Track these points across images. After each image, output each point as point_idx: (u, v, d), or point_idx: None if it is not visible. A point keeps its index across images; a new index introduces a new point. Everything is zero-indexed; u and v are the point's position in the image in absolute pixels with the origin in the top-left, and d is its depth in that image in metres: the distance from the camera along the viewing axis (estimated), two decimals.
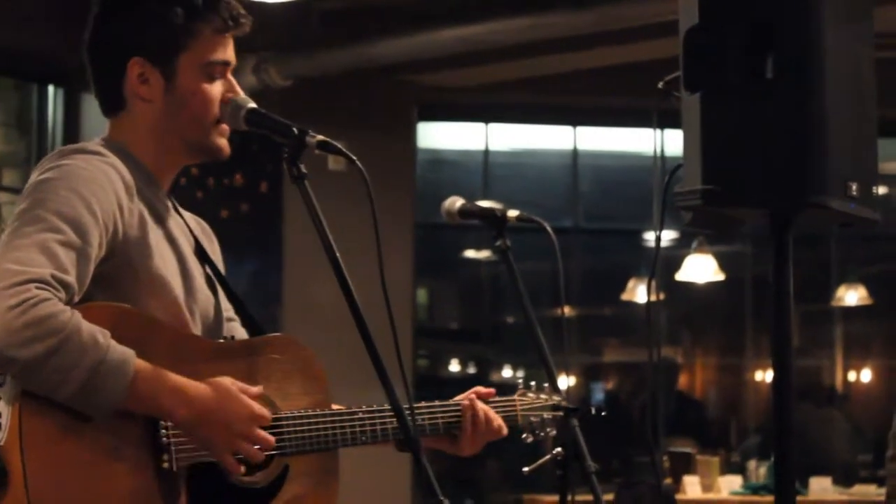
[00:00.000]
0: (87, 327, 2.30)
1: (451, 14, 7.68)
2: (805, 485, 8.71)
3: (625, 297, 10.34)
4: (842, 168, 2.48)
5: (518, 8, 7.46)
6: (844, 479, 9.35)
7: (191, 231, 2.70)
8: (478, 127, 10.21)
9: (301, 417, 2.59)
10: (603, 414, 3.14)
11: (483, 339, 11.29)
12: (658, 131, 9.83)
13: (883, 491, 5.36)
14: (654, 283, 2.88)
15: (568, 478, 3.08)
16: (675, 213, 2.59)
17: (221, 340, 2.62)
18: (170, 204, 2.66)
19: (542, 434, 3.10)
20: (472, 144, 10.39)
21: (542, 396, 3.12)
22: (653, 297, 2.87)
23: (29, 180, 2.47)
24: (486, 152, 10.24)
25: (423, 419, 2.83)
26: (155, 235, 2.54)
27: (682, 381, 12.01)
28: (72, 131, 8.04)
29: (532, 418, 3.09)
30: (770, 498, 8.52)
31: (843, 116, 2.48)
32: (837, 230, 2.69)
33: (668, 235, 10.19)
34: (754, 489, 8.82)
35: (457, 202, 3.31)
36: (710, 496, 8.75)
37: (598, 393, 11.99)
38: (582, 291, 10.92)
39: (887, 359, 11.93)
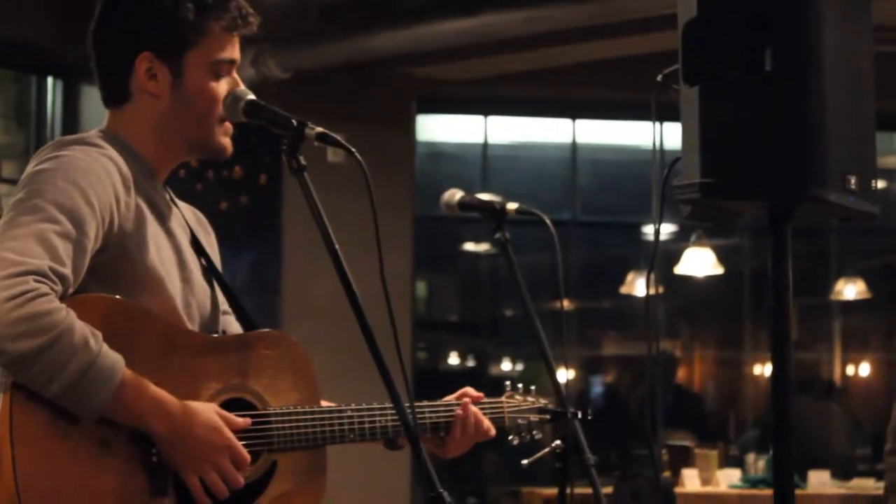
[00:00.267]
0: (80, 328, 2.30)
1: (450, 6, 7.68)
2: (803, 478, 8.71)
3: (623, 290, 10.35)
4: (841, 161, 2.48)
5: (517, 0, 7.46)
6: (843, 472, 9.36)
7: (187, 223, 2.70)
8: (477, 120, 10.21)
9: (290, 414, 2.59)
10: (589, 417, 3.13)
11: (482, 331, 11.29)
12: (657, 124, 9.82)
13: (881, 485, 5.37)
14: (652, 277, 2.88)
15: (567, 471, 3.08)
16: (674, 206, 2.59)
17: (215, 335, 2.62)
18: (167, 195, 2.66)
19: (528, 437, 3.10)
20: (471, 137, 10.39)
21: (530, 399, 3.12)
22: (651, 291, 2.87)
23: (26, 170, 2.46)
24: (485, 145, 10.25)
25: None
26: (152, 228, 2.54)
27: (681, 374, 12.01)
28: (71, 123, 8.03)
29: (519, 420, 3.08)
30: (768, 491, 8.53)
31: (841, 110, 2.48)
32: (836, 224, 2.69)
33: (667, 229, 10.19)
34: (753, 482, 8.82)
35: (456, 195, 3.31)
36: (709, 489, 8.76)
37: (597, 386, 12.00)
38: (581, 284, 10.92)
39: (886, 352, 11.94)
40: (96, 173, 2.44)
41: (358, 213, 3.63)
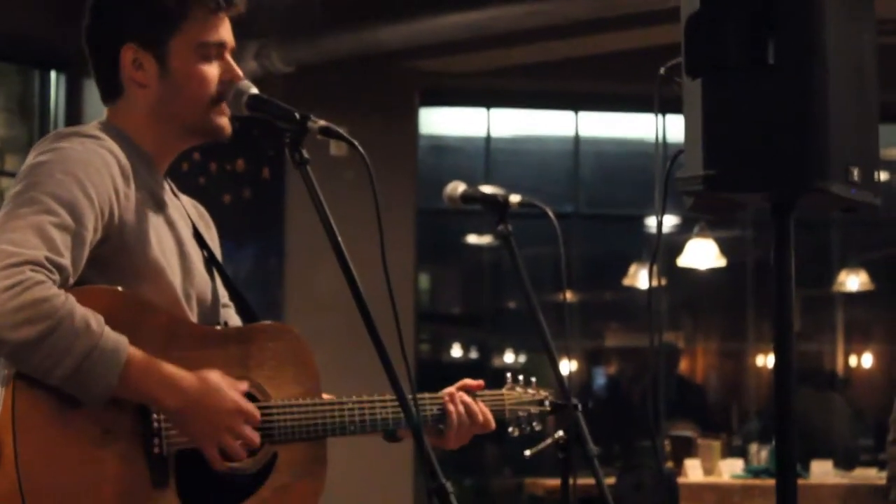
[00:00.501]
0: (81, 312, 2.30)
1: None
2: (806, 468, 8.72)
3: (626, 282, 10.35)
4: (843, 153, 2.48)
5: None
6: (845, 462, 9.37)
7: (189, 215, 2.71)
8: (480, 112, 10.20)
9: (291, 406, 2.59)
10: (584, 408, 3.13)
11: (485, 324, 11.30)
12: (659, 117, 9.82)
13: (884, 474, 5.37)
14: (655, 269, 2.89)
15: (570, 461, 3.08)
16: (677, 198, 2.59)
17: (217, 327, 2.63)
18: (168, 187, 2.67)
19: (528, 429, 3.11)
20: (474, 130, 10.38)
21: (530, 391, 3.12)
22: (654, 282, 2.87)
23: (25, 162, 2.47)
24: (488, 138, 10.24)
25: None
26: (153, 219, 2.54)
27: (684, 365, 12.01)
28: (73, 116, 8.04)
29: (519, 413, 3.09)
30: (771, 481, 8.48)
31: (844, 102, 2.48)
32: (839, 215, 2.70)
33: (670, 221, 10.19)
34: (755, 473, 8.83)
35: (459, 187, 3.31)
36: (712, 480, 8.76)
37: (600, 378, 12.00)
38: (583, 277, 10.92)
39: (888, 344, 11.94)
40: (95, 165, 2.44)
41: (361, 206, 3.63)
